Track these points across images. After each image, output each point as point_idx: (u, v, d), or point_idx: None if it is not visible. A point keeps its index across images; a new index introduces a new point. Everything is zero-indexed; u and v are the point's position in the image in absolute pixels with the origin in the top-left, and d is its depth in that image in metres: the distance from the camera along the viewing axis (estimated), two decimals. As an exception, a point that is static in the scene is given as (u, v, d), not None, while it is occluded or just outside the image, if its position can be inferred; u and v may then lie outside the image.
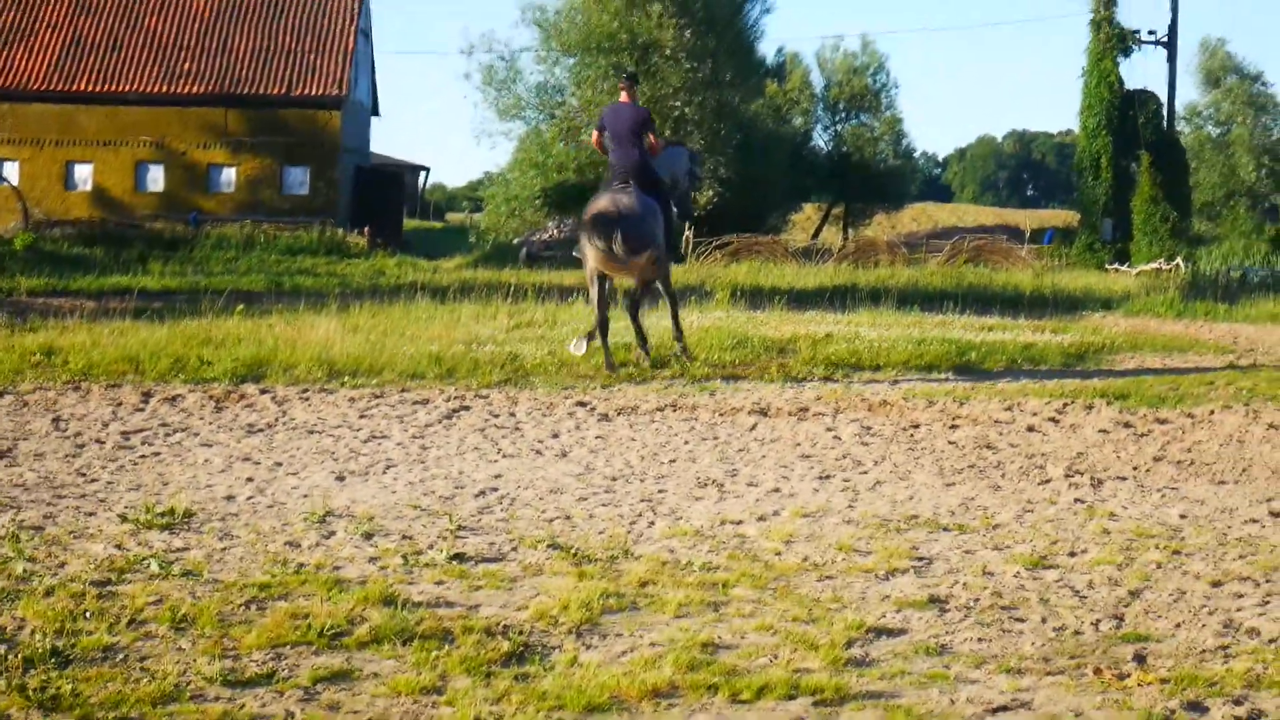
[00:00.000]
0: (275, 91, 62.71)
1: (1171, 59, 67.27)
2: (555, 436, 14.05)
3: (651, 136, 19.55)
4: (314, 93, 62.76)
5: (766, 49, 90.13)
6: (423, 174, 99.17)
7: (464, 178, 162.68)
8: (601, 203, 19.07)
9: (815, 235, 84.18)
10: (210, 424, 14.39)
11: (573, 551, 9.09)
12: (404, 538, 9.47)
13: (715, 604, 8.03)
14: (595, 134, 20.08)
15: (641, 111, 19.71)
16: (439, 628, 7.43)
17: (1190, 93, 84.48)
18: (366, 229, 58.70)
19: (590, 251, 18.82)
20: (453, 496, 10.97)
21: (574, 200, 60.40)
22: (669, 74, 61.19)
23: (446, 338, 20.90)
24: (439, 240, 71.77)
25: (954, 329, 25.15)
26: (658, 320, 20.96)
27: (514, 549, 9.23)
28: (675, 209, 20.14)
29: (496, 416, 15.17)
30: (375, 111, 73.12)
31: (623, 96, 19.98)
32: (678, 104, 61.14)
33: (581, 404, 16.05)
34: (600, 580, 8.38)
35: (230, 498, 10.83)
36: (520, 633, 7.41)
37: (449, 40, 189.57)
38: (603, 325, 19.22)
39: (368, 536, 9.47)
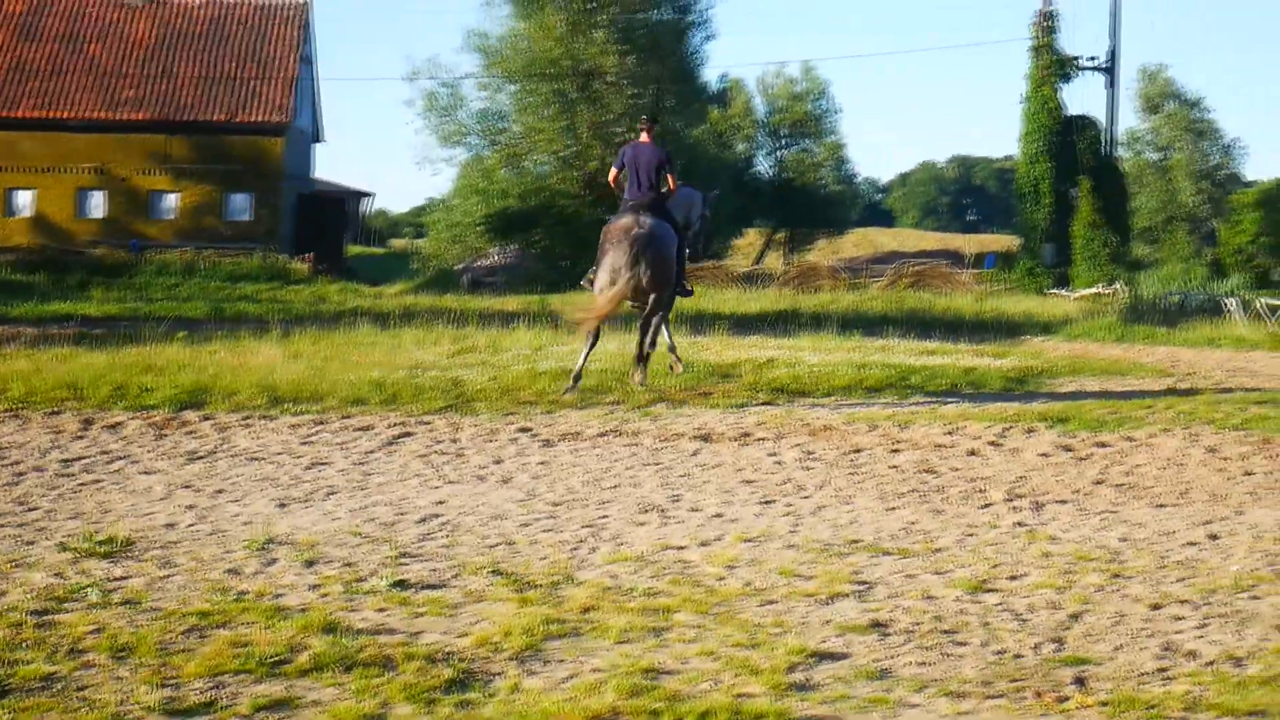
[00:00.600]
0: (218, 118, 62.54)
1: (1112, 85, 67.65)
2: (498, 462, 14.03)
3: (670, 177, 19.82)
4: (256, 119, 62.60)
5: (709, 75, 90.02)
6: (366, 200, 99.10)
7: (407, 204, 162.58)
8: (625, 222, 19.28)
9: (758, 260, 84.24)
10: (151, 451, 14.32)
11: (515, 578, 9.08)
12: (346, 565, 9.45)
13: (657, 629, 8.03)
14: (614, 171, 20.30)
15: (661, 152, 19.83)
16: (380, 655, 7.41)
17: (1130, 118, 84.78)
18: (309, 255, 58.58)
19: (610, 268, 19.00)
20: (395, 523, 10.95)
21: (517, 226, 60.50)
22: (612, 100, 61.22)
23: (389, 364, 20.86)
24: (382, 266, 71.62)
25: (896, 354, 25.23)
26: (614, 345, 20.85)
27: (456, 575, 9.21)
28: (687, 248, 20.59)
29: (439, 443, 15.14)
30: (318, 138, 72.99)
31: (643, 136, 20.03)
32: (620, 130, 61.16)
33: (524, 430, 16.04)
34: (542, 606, 8.38)
35: (171, 525, 10.78)
36: (462, 659, 7.40)
37: (392, 66, 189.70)
38: (593, 340, 19.46)
39: (309, 564, 9.44)
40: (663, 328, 20.24)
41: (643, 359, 20.00)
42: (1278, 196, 74.63)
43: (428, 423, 16.44)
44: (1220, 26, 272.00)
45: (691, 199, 21.04)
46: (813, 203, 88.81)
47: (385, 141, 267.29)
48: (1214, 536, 11.01)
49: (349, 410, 17.11)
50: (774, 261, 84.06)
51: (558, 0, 62.15)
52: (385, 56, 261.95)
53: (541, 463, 14.05)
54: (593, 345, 19.55)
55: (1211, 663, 7.64)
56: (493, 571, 9.26)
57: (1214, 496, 12.87)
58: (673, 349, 20.41)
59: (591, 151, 61.48)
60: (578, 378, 19.18)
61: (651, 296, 19.40)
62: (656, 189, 19.62)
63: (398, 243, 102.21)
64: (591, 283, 19.88)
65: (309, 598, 8.59)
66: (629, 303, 19.64)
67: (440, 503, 11.88)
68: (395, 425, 16.16)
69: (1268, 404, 19.37)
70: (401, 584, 8.91)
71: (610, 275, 18.99)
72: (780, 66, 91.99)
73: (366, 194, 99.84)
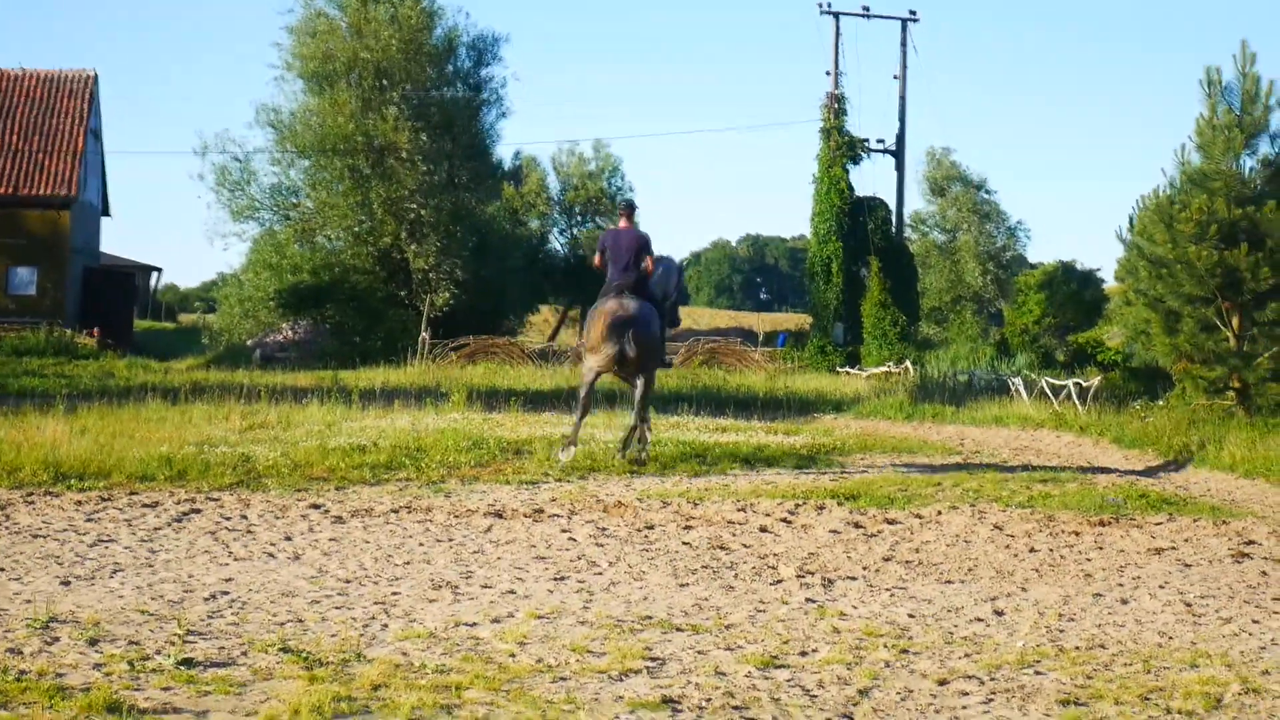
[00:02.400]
0: (3, 191, 61.40)
1: (899, 167, 68.81)
2: (288, 539, 13.87)
3: (649, 259, 21.18)
4: (43, 193, 61.53)
5: (504, 152, 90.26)
6: (155, 274, 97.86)
7: (197, 278, 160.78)
8: (611, 305, 20.76)
9: (552, 337, 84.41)
10: (-70, 528, 13.98)
11: (304, 655, 8.96)
12: (131, 643, 9.26)
13: (448, 706, 7.96)
14: (597, 256, 21.69)
15: (642, 236, 21.30)
16: (166, 734, 7.27)
17: (918, 200, 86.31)
18: (96, 330, 57.68)
19: (602, 349, 20.57)
20: (182, 601, 10.76)
21: (309, 302, 60.11)
22: (405, 176, 61.17)
23: (177, 439, 20.59)
24: (171, 341, 70.75)
25: (689, 430, 25.38)
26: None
27: (244, 653, 9.07)
28: (664, 319, 21.92)
29: (228, 519, 14.95)
30: (106, 211, 71.93)
31: (622, 223, 21.69)
32: (414, 206, 61.10)
33: (315, 506, 15.89)
34: (332, 684, 8.27)
35: (-50, 604, 10.51)
36: (250, 738, 7.29)
37: (182, 140, 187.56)
38: (583, 413, 21.26)
39: (93, 642, 9.24)
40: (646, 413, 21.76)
41: (635, 436, 21.45)
42: (1060, 279, 76.28)
43: (216, 499, 16.23)
44: (1003, 113, 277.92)
45: (670, 270, 22.56)
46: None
47: (175, 216, 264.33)
48: (999, 612, 11.15)
49: (136, 486, 16.84)
50: (569, 338, 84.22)
51: (350, 76, 62.08)
52: (175, 130, 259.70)
53: (332, 539, 13.92)
54: (583, 415, 21.27)
55: (997, 736, 7.73)
56: (282, 649, 9.13)
57: (1000, 573, 13.06)
58: (643, 437, 21.47)
59: (385, 227, 61.35)
60: (572, 442, 20.73)
61: (641, 375, 21.06)
62: (637, 270, 21.04)
63: (187, 318, 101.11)
64: (579, 358, 21.75)
65: (92, 676, 8.40)
66: (619, 374, 21.52)
67: (229, 580, 11.71)
68: (183, 501, 15.94)
69: (1051, 482, 19.74)
70: (188, 662, 8.75)
71: (596, 350, 20.62)
72: (573, 145, 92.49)
73: (155, 268, 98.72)
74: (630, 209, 21.98)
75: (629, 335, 20.37)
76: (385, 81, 61.94)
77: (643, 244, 21.16)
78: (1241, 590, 12.41)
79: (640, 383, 21.23)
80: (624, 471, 19.88)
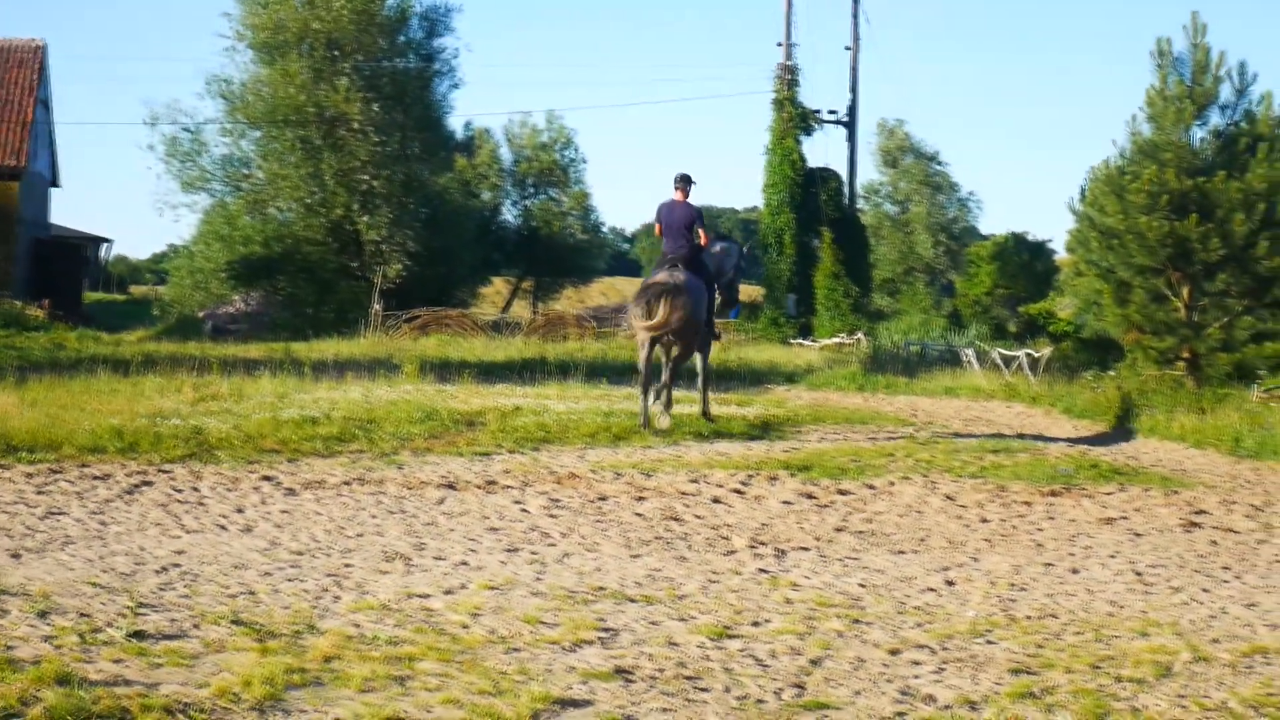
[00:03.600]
0: (-50, 162, 61.00)
1: (852, 138, 68.88)
2: (240, 511, 13.83)
3: (701, 231, 22.27)
4: (-9, 163, 61.12)
5: (456, 124, 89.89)
6: (105, 246, 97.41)
7: (148, 250, 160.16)
8: (658, 277, 21.87)
9: (505, 309, 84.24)
10: (-122, 501, 13.90)
11: (256, 627, 8.94)
12: (81, 615, 9.22)
13: (401, 678, 7.95)
14: (656, 226, 22.77)
15: (693, 209, 22.36)
16: (117, 706, 7.24)
17: (870, 172, 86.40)
18: (45, 301, 57.33)
19: (641, 318, 21.54)
20: (133, 573, 10.72)
21: (260, 273, 59.89)
22: (357, 148, 60.93)
23: (129, 411, 20.48)
24: (122, 313, 70.46)
25: (639, 401, 25.35)
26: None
27: (196, 625, 9.04)
28: (720, 295, 23.20)
29: (180, 491, 14.89)
30: (55, 182, 71.50)
31: (677, 195, 22.50)
32: (365, 177, 60.87)
33: (267, 478, 15.84)
34: (284, 656, 8.25)
35: (-102, 577, 10.45)
36: (201, 710, 7.26)
37: (133, 110, 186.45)
38: (646, 384, 21.95)
39: (43, 615, 9.20)
40: (678, 378, 23.34)
41: (705, 405, 23.19)
42: (1012, 250, 76.45)
43: (168, 471, 16.16)
44: (955, 85, 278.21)
45: (728, 250, 23.70)
46: (559, 252, 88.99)
47: (126, 187, 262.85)
48: (951, 582, 11.19)
49: (87, 459, 16.74)
50: (521, 310, 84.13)
51: (301, 47, 61.77)
52: (126, 100, 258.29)
53: (284, 511, 13.89)
54: (646, 390, 22.00)
55: (948, 706, 7.75)
56: (233, 621, 9.11)
57: (951, 543, 13.11)
58: (669, 406, 22.53)
59: (337, 198, 61.11)
60: (646, 421, 21.65)
61: (682, 342, 22.14)
62: (690, 243, 22.13)
63: (138, 289, 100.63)
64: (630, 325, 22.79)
65: (43, 649, 8.36)
66: (667, 340, 22.17)
67: (180, 552, 11.67)
68: (134, 474, 15.86)
69: (1003, 452, 19.81)
70: (139, 634, 8.72)
71: (643, 312, 21.48)
72: (526, 116, 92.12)
73: (106, 240, 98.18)
74: (686, 182, 22.66)
75: (672, 302, 21.16)
76: (337, 52, 61.66)
77: (693, 217, 22.20)
78: (1191, 559, 12.48)
79: (678, 350, 22.42)
80: (577, 444, 19.86)
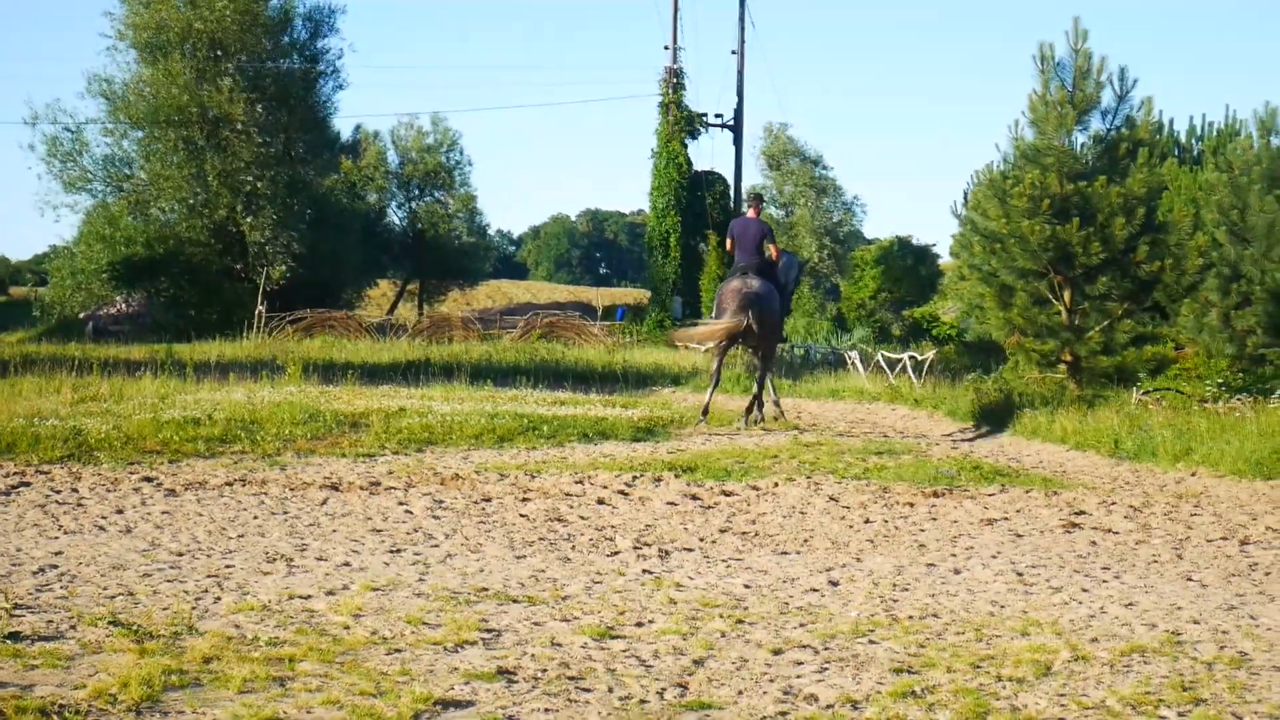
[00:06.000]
0: None
1: (737, 142, 68.99)
2: (120, 512, 13.69)
3: (772, 246, 24.54)
4: None
5: (342, 125, 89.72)
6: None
7: (29, 251, 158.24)
8: (733, 284, 23.75)
9: (390, 311, 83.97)
10: None
11: (135, 628, 8.84)
12: (-44, 618, 9.09)
13: (281, 679, 7.89)
14: (728, 241, 24.75)
15: (765, 226, 24.47)
16: (-9, 709, 7.15)
17: (755, 175, 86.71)
18: (-78, 302, 56.65)
19: (726, 318, 23.40)
20: (9, 574, 10.58)
21: (143, 274, 59.40)
22: (240, 148, 60.58)
23: (6, 412, 20.25)
24: (1, 314, 69.62)
25: (527, 403, 25.35)
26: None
27: (73, 627, 8.93)
28: (783, 301, 24.91)
29: (58, 492, 14.73)
30: (-67, 182, 70.68)
31: (750, 212, 24.93)
32: (249, 178, 60.52)
33: (148, 479, 15.70)
34: (162, 657, 8.16)
35: None
36: (77, 712, 7.17)
37: (13, 110, 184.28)
38: (716, 380, 24.88)
39: (-83, 617, 9.06)
40: (766, 382, 25.26)
41: (756, 404, 24.78)
42: (897, 254, 76.87)
43: (46, 472, 15.99)
44: (840, 89, 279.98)
45: (791, 263, 25.92)
46: (445, 254, 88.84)
47: (6, 187, 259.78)
48: (834, 583, 11.22)
49: (-38, 460, 16.54)
50: (407, 312, 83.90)
51: (184, 47, 61.33)
52: (5, 99, 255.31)
53: (165, 512, 13.76)
54: (715, 384, 24.87)
55: (830, 706, 7.76)
56: (111, 622, 9.00)
57: (835, 544, 13.15)
58: (776, 402, 25.62)
59: (220, 199, 60.72)
60: (705, 410, 24.19)
61: (761, 345, 24.19)
62: (761, 256, 24.11)
63: (18, 290, 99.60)
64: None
65: (-84, 652, 8.24)
66: (744, 344, 24.83)
67: (58, 553, 11.53)
68: (12, 475, 15.69)
69: (886, 454, 19.92)
70: (14, 635, 8.61)
71: (731, 315, 23.31)
72: (412, 118, 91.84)
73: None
74: (759, 200, 25.65)
75: (751, 309, 23.20)
76: (220, 52, 61.28)
77: (765, 232, 24.28)
78: (1071, 560, 12.58)
79: (761, 356, 24.79)
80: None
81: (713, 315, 24.28)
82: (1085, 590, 11.15)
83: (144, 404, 22.42)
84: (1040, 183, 27.64)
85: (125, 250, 60.24)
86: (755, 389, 24.97)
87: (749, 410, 24.57)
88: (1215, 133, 49.10)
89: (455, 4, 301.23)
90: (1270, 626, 9.84)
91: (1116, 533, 14.08)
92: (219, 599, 9.92)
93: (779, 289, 24.35)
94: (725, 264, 24.94)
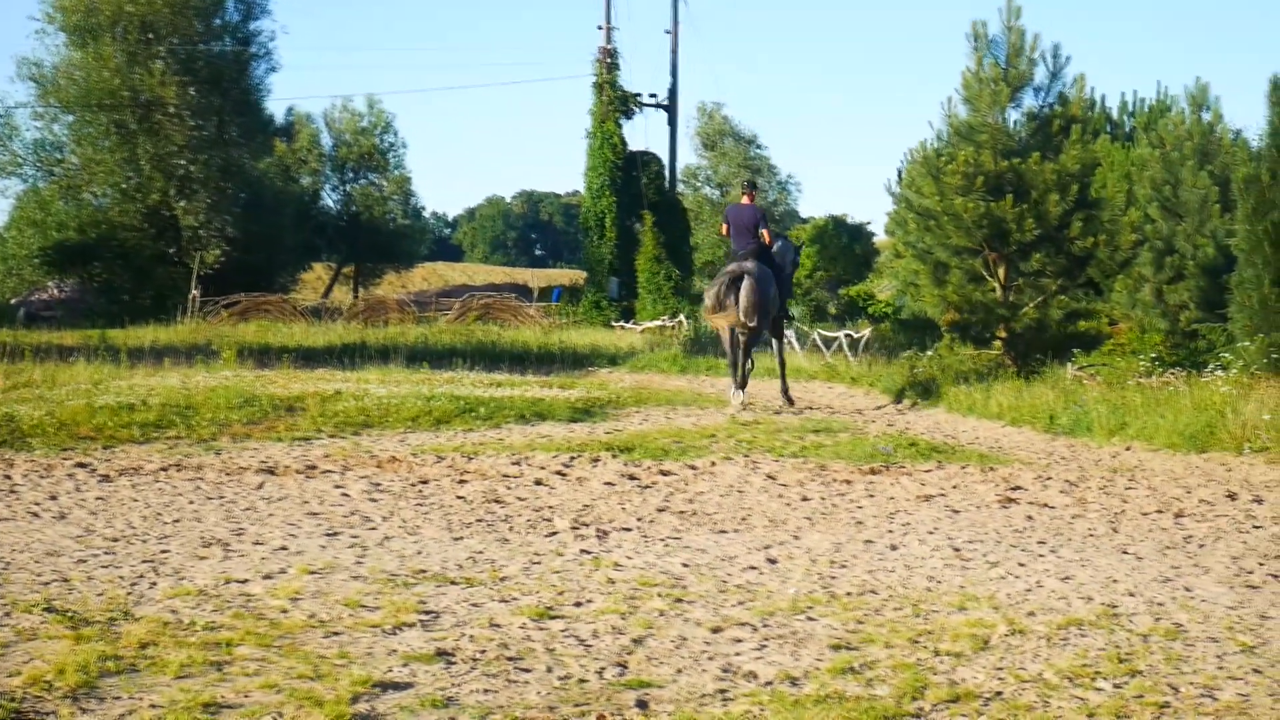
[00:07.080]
0: None
1: (672, 122, 69.07)
2: (53, 498, 13.60)
3: (765, 231, 24.86)
4: None
5: (275, 108, 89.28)
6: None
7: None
8: (731, 268, 24.26)
9: (325, 294, 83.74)
10: None
11: (70, 614, 8.78)
12: (-112, 607, 9.02)
13: (219, 663, 7.84)
14: (724, 226, 25.50)
15: (759, 211, 25.08)
16: (-76, 698, 7.09)
17: (690, 155, 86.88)
18: None
19: (720, 305, 23.90)
20: (-58, 563, 10.50)
21: (76, 260, 59.05)
22: (173, 132, 60.29)
23: (-62, 400, 20.10)
24: (-68, 301, 69.12)
25: (463, 385, 25.32)
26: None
27: (7, 614, 8.86)
28: (780, 284, 25.27)
29: (-9, 480, 14.63)
30: None
31: (744, 199, 25.56)
32: (182, 162, 60.23)
33: (82, 465, 15.60)
34: (98, 643, 8.11)
35: None
36: (12, 699, 7.11)
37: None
38: (733, 365, 24.61)
39: None
40: (753, 359, 26.01)
41: (784, 391, 25.89)
42: (832, 233, 77.10)
43: (-22, 459, 15.87)
44: (773, 68, 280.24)
45: (787, 247, 26.32)
46: (380, 237, 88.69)
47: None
48: (773, 560, 11.23)
49: (-106, 448, 16.41)
50: (342, 295, 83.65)
51: (114, 30, 60.97)
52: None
53: (100, 498, 13.67)
54: (737, 368, 24.55)
55: (770, 683, 7.76)
56: (46, 609, 8.93)
57: (773, 522, 13.16)
58: (742, 384, 24.69)
59: (153, 183, 60.42)
60: (739, 388, 24.34)
61: (752, 324, 24.04)
62: (756, 240, 24.64)
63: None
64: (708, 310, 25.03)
65: None
66: (739, 327, 24.26)
67: (-9, 541, 11.45)
68: (-56, 463, 15.57)
69: (823, 432, 19.97)
70: (-52, 625, 8.54)
71: (715, 302, 24.00)
72: (346, 100, 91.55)
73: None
74: (752, 187, 26.22)
75: (742, 289, 23.60)
76: (151, 35, 60.96)
77: (760, 218, 24.85)
78: (1008, 535, 12.63)
79: (752, 332, 24.52)
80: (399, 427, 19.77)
81: (705, 302, 24.96)
82: (1022, 565, 11.19)
83: (77, 390, 22.29)
84: (974, 160, 27.76)
85: (57, 235, 59.95)
86: (780, 374, 26.25)
87: (784, 393, 25.79)
88: (1147, 109, 49.43)
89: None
90: (1205, 598, 9.90)
91: (1052, 507, 14.15)
92: (155, 584, 9.86)
93: (776, 272, 24.80)
94: (726, 253, 25.36)
